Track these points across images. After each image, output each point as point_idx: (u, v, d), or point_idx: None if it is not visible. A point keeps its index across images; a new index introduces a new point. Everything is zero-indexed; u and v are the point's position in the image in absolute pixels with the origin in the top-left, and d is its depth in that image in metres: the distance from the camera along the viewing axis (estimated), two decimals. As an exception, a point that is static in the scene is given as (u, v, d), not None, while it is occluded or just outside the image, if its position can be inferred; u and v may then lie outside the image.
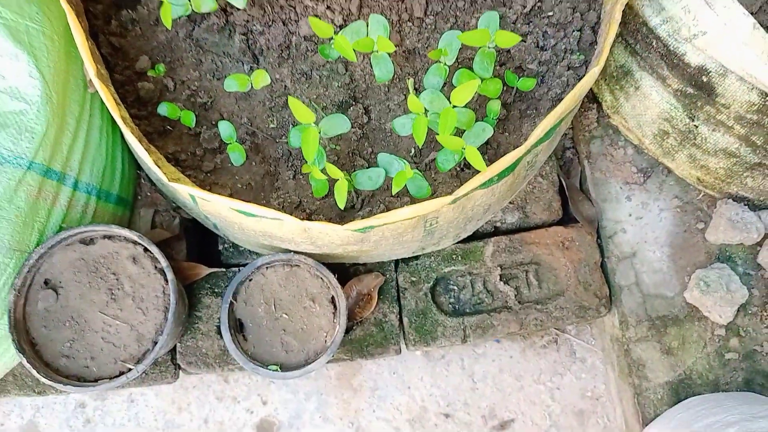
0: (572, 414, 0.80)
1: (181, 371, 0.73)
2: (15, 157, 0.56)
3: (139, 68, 0.61)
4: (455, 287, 0.76)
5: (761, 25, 0.59)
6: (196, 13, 0.58)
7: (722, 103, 0.68)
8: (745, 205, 0.78)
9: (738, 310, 0.75)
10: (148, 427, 0.78)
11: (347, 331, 0.73)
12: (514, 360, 0.82)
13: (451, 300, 0.76)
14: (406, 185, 0.53)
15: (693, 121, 0.72)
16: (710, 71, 0.66)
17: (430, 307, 0.75)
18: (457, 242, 0.76)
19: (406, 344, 0.75)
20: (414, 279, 0.75)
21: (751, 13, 0.60)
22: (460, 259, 0.76)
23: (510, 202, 0.78)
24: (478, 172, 0.53)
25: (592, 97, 0.81)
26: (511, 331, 0.74)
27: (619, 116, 0.80)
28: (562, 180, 0.80)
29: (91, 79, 0.58)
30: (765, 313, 0.76)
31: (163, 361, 0.72)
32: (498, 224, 0.79)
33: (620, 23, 0.68)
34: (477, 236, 0.77)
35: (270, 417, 0.80)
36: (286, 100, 0.59)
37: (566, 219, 0.80)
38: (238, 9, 0.59)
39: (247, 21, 0.61)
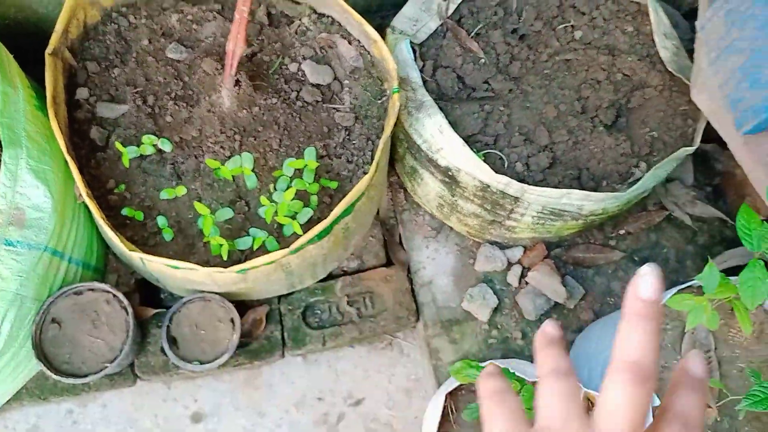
0: (403, 391, 1.21)
1: (138, 379, 1.12)
2: (36, 244, 0.96)
3: (109, 187, 1.02)
4: (318, 311, 1.18)
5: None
6: (143, 154, 1.01)
7: (463, 186, 1.13)
8: (496, 246, 1.23)
9: (494, 312, 1.19)
10: (115, 422, 1.15)
11: (247, 344, 1.13)
12: (363, 359, 1.23)
13: (316, 319, 1.17)
14: (264, 244, 0.96)
15: (453, 197, 1.17)
16: (452, 169, 1.12)
17: (301, 325, 1.16)
18: (317, 281, 1.18)
19: (284, 351, 1.15)
20: (290, 307, 1.17)
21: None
22: (320, 292, 1.18)
23: (351, 254, 1.22)
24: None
25: (401, 185, 1.27)
26: (354, 337, 1.16)
27: (417, 196, 1.25)
28: (386, 238, 1.24)
29: (80, 194, 1.00)
30: (513, 314, 1.20)
31: (125, 371, 1.10)
32: (345, 268, 1.21)
33: (405, 142, 1.14)
34: (331, 277, 1.20)
35: (199, 410, 1.17)
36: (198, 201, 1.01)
37: (389, 263, 1.24)
38: (167, 150, 1.02)
39: (174, 157, 1.03)
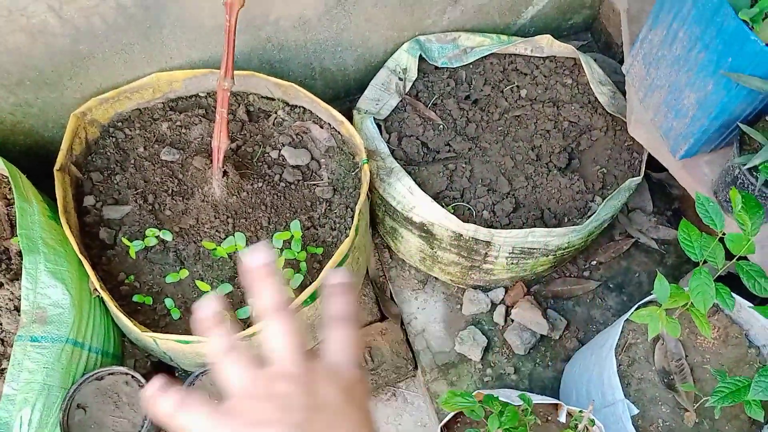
0: (411, 439, 1.28)
1: (160, 456, 1.19)
2: (59, 337, 1.06)
3: (120, 279, 1.13)
4: (322, 371, 1.26)
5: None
6: (147, 246, 1.13)
7: (439, 238, 1.24)
8: (479, 289, 1.33)
9: (486, 351, 1.27)
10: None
11: (259, 410, 1.21)
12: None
13: (320, 379, 1.25)
14: (262, 312, 1.06)
15: (433, 249, 1.28)
16: (426, 224, 1.23)
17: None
18: (318, 343, 1.27)
19: (295, 411, 1.23)
20: (295, 371, 1.25)
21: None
22: (321, 353, 1.27)
23: (346, 315, 1.31)
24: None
25: (385, 245, 1.38)
26: (358, 391, 1.24)
27: (400, 253, 1.36)
28: (377, 295, 1.34)
29: (95, 289, 1.11)
30: (503, 350, 1.28)
31: (148, 449, 1.17)
32: (342, 329, 1.31)
33: (382, 206, 1.26)
34: (330, 338, 1.29)
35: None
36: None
37: (383, 317, 1.33)
38: (169, 240, 1.14)
39: (175, 245, 1.16)
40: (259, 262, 0.44)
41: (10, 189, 1.21)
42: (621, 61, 1.51)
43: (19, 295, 1.10)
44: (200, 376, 1.13)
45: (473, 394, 0.92)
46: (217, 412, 0.41)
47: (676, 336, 0.98)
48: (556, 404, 0.99)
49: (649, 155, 1.24)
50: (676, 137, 1.12)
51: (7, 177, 1.21)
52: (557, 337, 1.28)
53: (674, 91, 1.09)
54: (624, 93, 1.31)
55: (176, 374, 1.26)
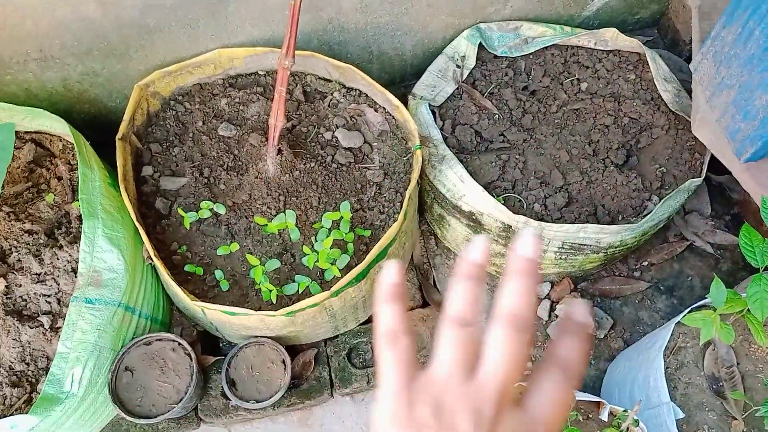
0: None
1: (201, 422, 1.22)
2: (112, 300, 1.10)
3: (173, 249, 1.16)
4: (362, 352, 1.27)
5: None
6: (201, 218, 1.15)
7: (487, 228, 1.23)
8: (524, 283, 1.31)
9: (528, 346, 1.26)
10: (182, 466, 1.25)
11: (298, 385, 1.23)
12: (407, 397, 1.30)
13: (360, 360, 1.26)
14: (308, 288, 1.08)
15: (480, 239, 1.27)
16: (475, 213, 1.22)
17: (347, 365, 1.25)
18: (360, 324, 1.28)
19: (332, 391, 1.24)
20: (336, 349, 1.26)
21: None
22: (363, 334, 1.28)
23: (389, 299, 1.31)
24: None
25: (431, 232, 1.38)
26: (397, 375, 1.24)
27: (446, 241, 1.35)
28: (420, 281, 1.34)
29: (148, 256, 1.14)
30: (545, 346, 1.27)
31: (190, 415, 1.21)
32: (384, 313, 1.31)
33: (431, 193, 1.26)
34: (372, 319, 1.30)
35: (258, 452, 1.26)
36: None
37: (425, 304, 1.33)
38: (222, 213, 1.17)
39: (227, 218, 1.18)
40: (529, 253, 0.38)
41: (73, 155, 1.25)
42: (688, 59, 1.46)
43: (77, 258, 1.14)
44: (244, 348, 1.16)
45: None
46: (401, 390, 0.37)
47: (729, 342, 0.95)
48: (598, 402, 0.98)
49: (711, 157, 1.20)
50: (743, 139, 1.08)
51: (71, 143, 1.26)
52: (602, 336, 1.25)
53: (745, 91, 1.04)
54: (689, 92, 1.26)
55: (221, 345, 1.29)
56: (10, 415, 1.02)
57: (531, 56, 1.37)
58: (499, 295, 0.38)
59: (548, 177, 1.24)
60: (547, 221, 1.17)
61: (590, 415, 0.98)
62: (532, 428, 0.36)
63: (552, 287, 1.29)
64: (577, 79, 1.35)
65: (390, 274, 0.41)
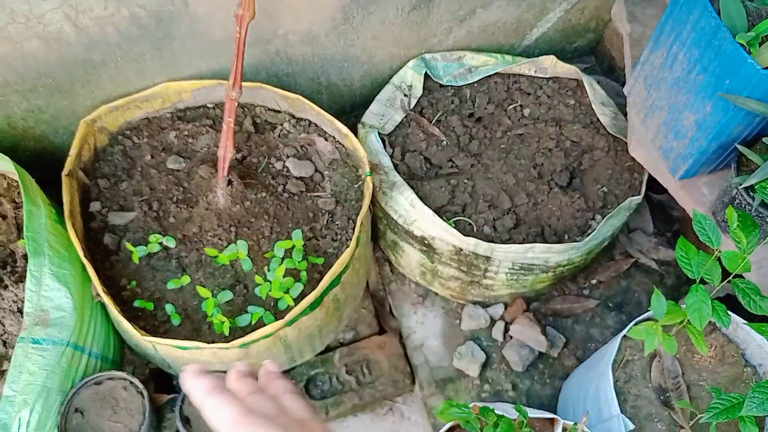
0: (407, 453, 1.27)
1: (156, 463, 1.19)
2: (60, 340, 1.07)
3: (122, 285, 1.14)
4: (320, 382, 1.27)
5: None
6: (150, 252, 1.14)
7: (439, 252, 1.25)
8: (478, 305, 1.33)
9: (484, 367, 1.27)
10: None
11: (256, 419, 1.21)
12: (367, 426, 1.30)
13: (318, 390, 1.26)
14: (262, 319, 1.07)
15: (433, 263, 1.29)
16: (427, 238, 1.24)
17: (305, 396, 1.24)
18: (316, 355, 1.28)
19: (292, 421, 1.23)
20: (293, 381, 1.25)
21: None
22: (320, 364, 1.27)
23: (346, 325, 1.32)
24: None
25: (386, 258, 1.39)
26: (355, 404, 1.24)
27: (401, 267, 1.37)
28: (377, 308, 1.35)
29: (97, 293, 1.12)
30: (501, 367, 1.28)
31: (144, 456, 1.17)
32: (341, 340, 1.31)
33: (384, 219, 1.28)
34: (329, 349, 1.29)
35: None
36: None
37: (381, 331, 1.34)
38: (172, 246, 1.16)
39: (178, 252, 1.17)
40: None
41: (18, 193, 1.23)
42: (623, 84, 1.53)
43: (23, 298, 1.11)
44: (198, 383, 1.14)
45: (470, 405, 0.92)
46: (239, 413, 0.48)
47: (672, 353, 0.98)
48: (552, 419, 0.99)
49: (650, 176, 1.25)
50: (676, 158, 1.14)
51: (16, 181, 1.23)
52: (556, 355, 1.28)
53: (674, 112, 1.10)
54: (625, 114, 1.32)
55: (174, 382, 1.26)
56: (-49, 466, 0.97)
57: (475, 84, 1.42)
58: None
59: (496, 200, 1.27)
60: (496, 242, 1.19)
61: (544, 433, 1.00)
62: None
63: (506, 308, 1.32)
64: (520, 105, 1.40)
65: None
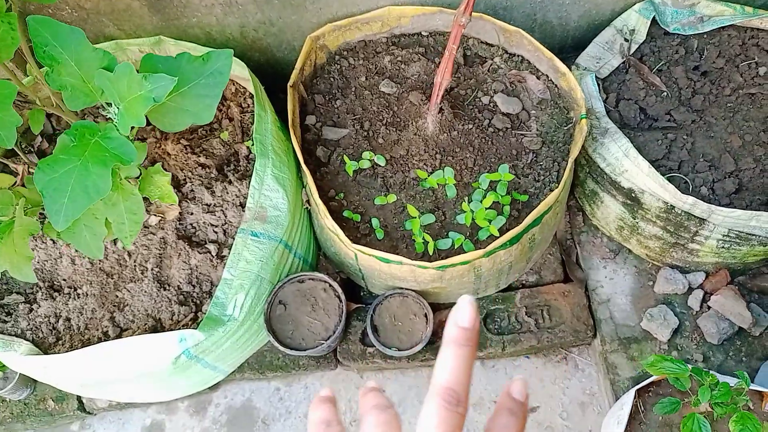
0: (578, 404, 1.26)
1: (339, 365, 1.27)
2: (274, 237, 1.16)
3: (330, 195, 1.21)
4: (498, 319, 1.27)
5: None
6: (360, 168, 1.19)
7: (646, 208, 1.19)
8: (676, 269, 1.26)
9: (674, 333, 1.21)
10: (315, 404, 1.31)
11: (432, 342, 1.25)
12: (538, 369, 1.29)
13: (496, 326, 1.27)
14: (462, 246, 1.09)
15: (635, 219, 1.23)
16: (635, 191, 1.18)
17: (483, 329, 1.26)
18: (498, 291, 1.29)
19: (469, 351, 1.25)
20: (473, 313, 1.27)
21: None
22: (500, 301, 1.28)
23: (531, 268, 1.31)
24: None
25: (579, 208, 1.35)
26: (532, 345, 1.24)
27: (595, 218, 1.32)
28: (563, 257, 1.32)
29: (307, 200, 1.20)
30: (694, 336, 1.21)
31: (329, 356, 1.26)
32: (524, 282, 1.31)
33: (586, 167, 1.23)
34: (510, 288, 1.29)
35: (387, 401, 1.30)
36: (404, 208, 1.17)
37: (566, 279, 1.31)
38: (380, 165, 1.20)
39: (385, 171, 1.21)
40: (466, 323, 0.39)
41: (244, 98, 1.33)
42: None
43: (245, 193, 1.21)
44: (388, 297, 1.19)
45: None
46: None
47: None
48: (762, 394, 0.93)
49: None
50: None
51: (243, 88, 1.33)
52: (757, 334, 1.18)
53: None
54: None
55: (362, 294, 1.33)
56: (178, 330, 1.11)
57: (705, 36, 1.31)
58: (436, 365, 0.38)
59: (717, 161, 1.18)
60: (715, 205, 1.11)
61: (751, 407, 0.94)
62: None
63: (707, 277, 1.24)
64: (755, 62, 1.27)
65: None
